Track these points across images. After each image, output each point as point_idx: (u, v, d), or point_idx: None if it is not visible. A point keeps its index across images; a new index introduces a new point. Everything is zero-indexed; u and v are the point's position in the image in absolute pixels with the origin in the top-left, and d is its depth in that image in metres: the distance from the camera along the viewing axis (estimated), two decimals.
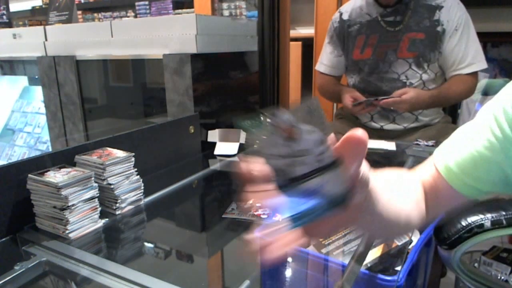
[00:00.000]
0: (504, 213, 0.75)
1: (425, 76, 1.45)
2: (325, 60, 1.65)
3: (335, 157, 0.31)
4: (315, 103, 0.32)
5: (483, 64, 1.40)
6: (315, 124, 0.30)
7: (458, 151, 0.53)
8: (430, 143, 1.31)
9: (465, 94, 1.47)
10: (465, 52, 1.40)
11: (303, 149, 0.30)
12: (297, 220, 0.33)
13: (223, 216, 0.87)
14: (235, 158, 1.32)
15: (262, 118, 0.30)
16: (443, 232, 0.78)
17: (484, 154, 0.50)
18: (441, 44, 1.41)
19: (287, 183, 0.31)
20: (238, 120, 0.37)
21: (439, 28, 1.39)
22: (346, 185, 0.32)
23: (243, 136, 1.40)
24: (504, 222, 0.74)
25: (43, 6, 4.56)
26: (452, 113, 1.65)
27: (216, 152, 1.35)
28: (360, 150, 0.33)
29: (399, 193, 0.49)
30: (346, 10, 1.57)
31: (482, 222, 0.75)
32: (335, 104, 2.61)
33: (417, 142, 1.31)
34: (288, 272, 0.71)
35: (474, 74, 1.43)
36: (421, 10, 1.42)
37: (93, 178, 0.81)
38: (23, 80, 2.33)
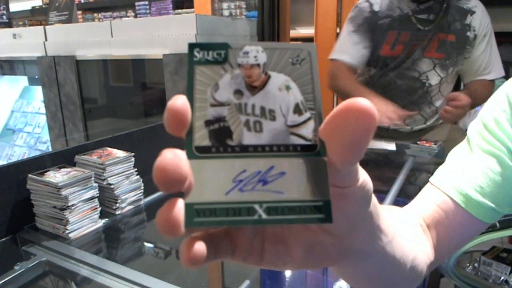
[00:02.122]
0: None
1: (444, 79, 1.43)
2: (350, 49, 1.47)
3: (315, 138, 0.20)
4: (308, 52, 0.21)
5: (502, 72, 1.43)
6: (298, 80, 0.21)
7: (468, 175, 0.46)
8: (430, 143, 1.30)
9: (484, 99, 1.46)
10: (490, 58, 1.41)
11: (266, 106, 0.20)
12: (212, 213, 0.19)
13: None
14: None
15: (221, 51, 0.20)
16: None
17: (496, 171, 0.45)
18: (470, 49, 1.40)
19: (222, 148, 0.20)
20: (190, 45, 0.19)
21: (469, 33, 1.38)
22: (326, 193, 0.19)
23: None
24: (498, 224, 0.74)
25: (43, 6, 4.56)
26: None
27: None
28: (359, 135, 0.19)
29: (401, 228, 0.37)
30: (376, 1, 1.46)
31: None
32: (335, 104, 2.61)
33: (417, 142, 1.31)
34: (288, 272, 0.71)
35: (493, 81, 1.44)
36: (453, 12, 1.39)
37: (93, 178, 0.81)
38: (23, 80, 2.33)
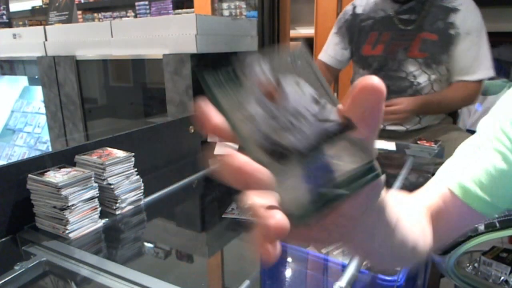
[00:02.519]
0: (497, 216, 0.75)
1: (433, 77, 1.43)
2: (329, 50, 1.62)
3: (341, 118, 0.23)
4: (300, 50, 0.23)
5: (489, 73, 1.39)
6: (302, 75, 0.23)
7: (470, 169, 0.49)
8: (430, 143, 1.30)
9: (467, 101, 1.45)
10: (474, 58, 1.38)
11: (290, 107, 0.22)
12: (303, 216, 0.22)
13: (223, 216, 0.87)
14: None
15: (230, 71, 0.23)
16: None
17: (500, 167, 0.47)
18: (453, 47, 1.39)
19: (276, 159, 0.22)
20: (200, 74, 0.24)
21: (452, 31, 1.38)
22: (370, 154, 0.23)
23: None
24: (497, 224, 0.74)
25: (43, 6, 4.56)
26: (452, 113, 1.64)
27: (216, 152, 1.35)
28: (377, 106, 0.24)
29: (406, 213, 0.41)
30: (361, 4, 1.55)
31: (476, 226, 0.75)
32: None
33: (417, 142, 1.31)
34: (288, 272, 0.71)
35: (479, 82, 1.41)
36: (436, 11, 1.40)
37: (93, 178, 0.81)
38: (23, 80, 2.33)
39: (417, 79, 1.43)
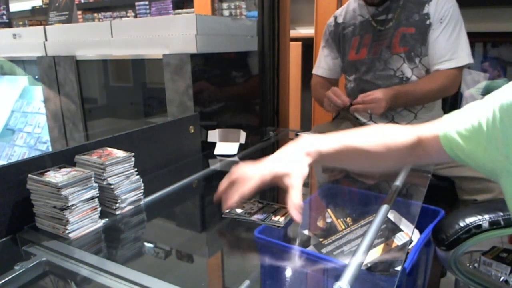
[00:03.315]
0: (501, 213, 0.75)
1: (416, 71, 1.43)
2: (322, 63, 1.66)
3: None
4: None
5: (467, 60, 1.35)
6: None
7: (458, 121, 0.65)
8: None
9: (447, 90, 1.40)
10: (448, 46, 1.36)
11: None
12: None
13: (223, 216, 0.87)
14: (235, 158, 1.32)
15: None
16: (441, 233, 0.78)
17: (479, 129, 0.60)
18: (427, 37, 1.40)
19: None
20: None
21: (428, 22, 1.39)
22: None
23: (243, 136, 1.40)
24: (502, 222, 0.74)
25: (43, 6, 4.56)
26: (451, 110, 1.64)
27: (216, 152, 1.35)
28: None
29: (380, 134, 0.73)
30: (340, 13, 1.59)
31: (480, 223, 0.75)
32: None
33: None
34: (288, 272, 0.71)
35: (458, 69, 1.38)
36: (410, 5, 1.42)
37: (93, 178, 0.81)
38: (23, 80, 2.33)
39: (405, 74, 1.44)
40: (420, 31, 1.40)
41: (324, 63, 1.65)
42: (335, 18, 1.61)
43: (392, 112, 1.50)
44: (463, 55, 1.35)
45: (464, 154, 0.63)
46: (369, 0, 1.45)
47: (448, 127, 0.66)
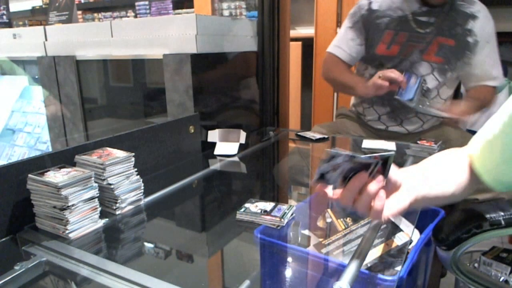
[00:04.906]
0: (502, 213, 0.75)
1: (442, 84, 1.43)
2: (344, 45, 1.52)
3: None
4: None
5: (502, 80, 1.44)
6: None
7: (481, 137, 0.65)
8: (430, 142, 1.30)
9: (484, 106, 1.45)
10: (493, 65, 1.40)
11: None
12: None
13: (223, 216, 0.87)
14: (235, 158, 1.32)
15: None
16: (441, 232, 0.78)
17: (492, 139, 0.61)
18: (470, 54, 1.38)
19: None
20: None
21: (470, 39, 1.36)
22: None
23: (243, 136, 1.40)
24: (503, 222, 0.74)
25: (43, 6, 4.56)
26: None
27: (216, 152, 1.35)
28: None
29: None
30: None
31: (481, 222, 0.75)
32: (335, 104, 2.61)
33: (417, 142, 1.31)
34: (288, 272, 0.71)
35: (494, 88, 1.44)
36: (454, 16, 1.37)
37: (93, 178, 0.81)
38: (23, 80, 2.33)
39: (427, 83, 1.42)
40: (459, 45, 1.37)
41: (346, 46, 1.52)
42: (370, 3, 1.48)
43: (402, 117, 1.50)
44: (501, 72, 1.42)
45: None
46: (434, 1, 1.36)
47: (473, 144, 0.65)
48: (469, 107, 1.40)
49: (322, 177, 0.54)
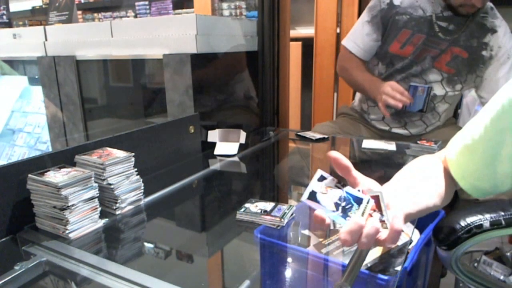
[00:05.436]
0: (503, 213, 0.75)
1: (450, 94, 1.40)
2: (358, 40, 1.48)
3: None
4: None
5: None
6: None
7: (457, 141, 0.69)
8: (430, 143, 1.30)
9: None
10: (506, 79, 1.34)
11: None
12: None
13: (223, 216, 0.87)
14: (235, 158, 1.32)
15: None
16: (442, 232, 0.78)
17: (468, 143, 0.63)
18: (483, 68, 1.35)
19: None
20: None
21: (485, 52, 1.33)
22: None
23: (243, 136, 1.40)
24: (503, 222, 0.74)
25: (43, 6, 4.56)
26: (453, 114, 1.64)
27: (216, 152, 1.35)
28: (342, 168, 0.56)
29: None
30: None
31: (481, 222, 0.75)
32: (335, 104, 2.61)
33: (417, 142, 1.31)
34: (288, 272, 0.71)
35: None
36: (474, 27, 1.34)
37: (93, 178, 0.81)
38: (23, 80, 2.33)
39: (434, 90, 1.40)
40: (472, 57, 1.34)
41: (361, 41, 1.47)
42: None
43: (406, 119, 1.49)
44: None
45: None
46: (464, 10, 1.29)
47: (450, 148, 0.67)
48: None
49: (312, 196, 0.54)
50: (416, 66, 1.40)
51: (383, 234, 0.51)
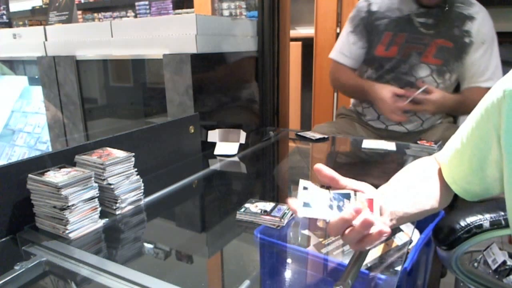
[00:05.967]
0: (502, 213, 0.75)
1: (441, 86, 1.42)
2: (346, 50, 1.54)
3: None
4: None
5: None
6: None
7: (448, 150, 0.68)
8: (430, 143, 1.30)
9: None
10: (487, 66, 1.38)
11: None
12: None
13: (223, 216, 0.87)
14: (235, 158, 1.32)
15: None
16: (442, 232, 0.78)
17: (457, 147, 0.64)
18: (465, 55, 1.38)
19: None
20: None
21: (467, 39, 1.36)
22: None
23: (243, 136, 1.40)
24: (503, 222, 0.74)
25: (43, 6, 4.56)
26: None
27: (216, 152, 1.35)
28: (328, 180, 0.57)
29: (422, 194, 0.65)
30: (376, 1, 1.48)
31: (481, 222, 0.75)
32: (335, 104, 2.61)
33: (417, 142, 1.31)
34: (288, 272, 0.71)
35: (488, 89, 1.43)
36: (453, 17, 1.37)
37: (93, 178, 0.81)
38: (23, 80, 2.33)
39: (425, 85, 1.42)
40: (457, 46, 1.37)
41: (348, 51, 1.54)
42: (369, 4, 1.48)
43: None
44: (498, 76, 1.38)
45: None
46: (427, 2, 1.36)
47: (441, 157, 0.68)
48: (454, 100, 1.38)
49: (307, 207, 0.55)
50: (404, 64, 1.43)
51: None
